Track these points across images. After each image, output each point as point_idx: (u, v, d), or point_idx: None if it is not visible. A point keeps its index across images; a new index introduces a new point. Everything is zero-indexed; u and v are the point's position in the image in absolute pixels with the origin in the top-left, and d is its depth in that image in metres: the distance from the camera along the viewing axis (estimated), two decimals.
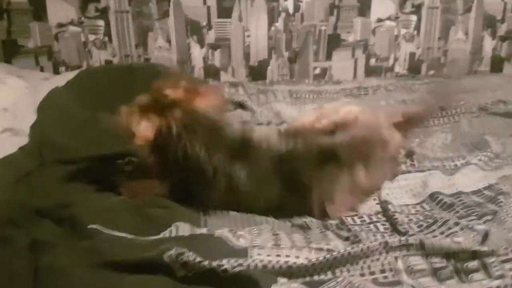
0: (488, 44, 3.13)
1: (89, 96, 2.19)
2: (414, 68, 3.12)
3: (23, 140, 1.72)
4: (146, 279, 1.04)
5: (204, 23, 2.82)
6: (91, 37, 2.75)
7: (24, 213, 1.33)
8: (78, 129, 1.93)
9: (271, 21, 2.87)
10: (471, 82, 2.82)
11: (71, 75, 2.33)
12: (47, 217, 1.33)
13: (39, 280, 1.06)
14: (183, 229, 1.26)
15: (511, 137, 1.90)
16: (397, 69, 3.12)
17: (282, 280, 1.04)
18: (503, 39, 3.13)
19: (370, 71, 3.08)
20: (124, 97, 2.28)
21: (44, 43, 2.73)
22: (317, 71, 3.02)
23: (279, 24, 2.89)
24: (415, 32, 3.04)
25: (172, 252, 1.06)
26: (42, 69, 2.75)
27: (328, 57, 3.00)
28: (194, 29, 2.82)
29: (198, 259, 1.05)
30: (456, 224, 1.21)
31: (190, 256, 1.05)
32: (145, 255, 1.09)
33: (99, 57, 2.78)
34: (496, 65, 3.17)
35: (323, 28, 2.94)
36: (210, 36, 2.85)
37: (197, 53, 2.87)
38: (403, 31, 3.04)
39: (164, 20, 2.78)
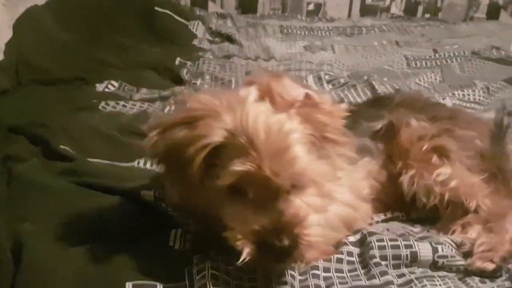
0: None
1: (71, 18, 2.10)
2: (410, 10, 3.03)
3: None
4: (117, 201, 1.02)
5: None
6: None
7: None
8: (58, 51, 1.86)
9: None
10: (466, 28, 2.78)
11: None
12: (22, 134, 1.28)
13: (13, 189, 1.03)
14: None
15: (503, 83, 1.88)
16: (393, 10, 3.02)
17: None
18: None
19: (366, 10, 2.98)
20: (110, 24, 2.21)
21: None
22: (311, 7, 2.92)
23: None
24: None
25: (150, 193, 1.03)
26: None
27: None
28: None
29: None
30: None
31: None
32: (122, 186, 1.06)
33: None
34: (493, 12, 3.09)
35: None
36: None
37: None
38: None
39: None
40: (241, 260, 0.77)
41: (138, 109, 1.53)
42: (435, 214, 1.08)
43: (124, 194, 1.03)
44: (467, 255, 0.94)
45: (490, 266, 0.91)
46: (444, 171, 1.05)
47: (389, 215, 1.10)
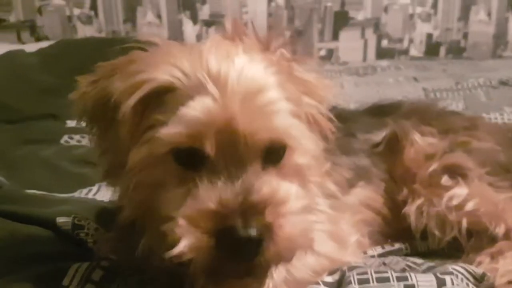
0: None
1: (59, 65, 2.00)
2: (431, 51, 2.81)
3: None
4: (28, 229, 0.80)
5: None
6: (76, 11, 2.57)
7: None
8: (37, 93, 1.74)
9: None
10: (493, 63, 2.54)
11: (44, 44, 2.15)
12: None
13: None
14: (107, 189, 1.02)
15: None
16: (413, 51, 2.82)
17: None
18: None
19: (382, 53, 2.79)
20: None
21: (27, 17, 2.56)
22: (322, 52, 2.75)
23: None
24: (432, 11, 2.75)
25: (68, 220, 0.82)
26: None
27: (335, 37, 2.74)
28: (186, 3, 2.61)
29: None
30: None
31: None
32: (38, 213, 0.85)
33: (84, 33, 2.58)
34: None
35: (329, 4, 2.68)
36: (204, 12, 2.63)
37: (190, 30, 2.65)
38: (418, 9, 2.75)
39: None
40: (175, 254, 0.50)
41: None
42: (455, 247, 0.81)
43: (39, 221, 0.81)
44: None
45: None
46: (459, 192, 0.80)
47: (388, 247, 0.82)
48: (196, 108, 0.54)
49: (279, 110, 0.57)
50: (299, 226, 0.54)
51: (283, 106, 0.58)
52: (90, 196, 1.01)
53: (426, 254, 0.82)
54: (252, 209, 0.52)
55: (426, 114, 0.95)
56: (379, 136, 0.89)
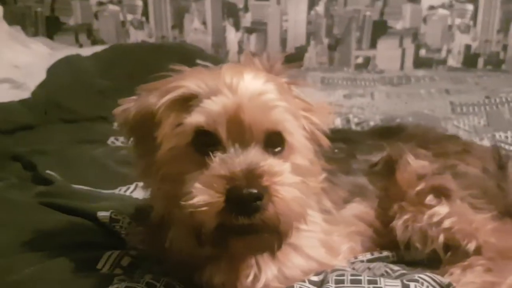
0: None
1: (115, 68, 2.19)
2: (469, 62, 2.84)
3: (24, 94, 1.73)
4: (73, 220, 0.97)
5: (241, 5, 2.75)
6: (129, 17, 2.78)
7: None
8: (92, 95, 1.92)
9: (311, 4, 2.75)
10: None
11: (99, 48, 2.35)
12: (20, 161, 1.31)
13: None
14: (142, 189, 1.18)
15: None
16: (451, 62, 2.86)
17: None
18: None
19: (420, 63, 2.84)
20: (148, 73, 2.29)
21: (85, 21, 2.80)
22: (359, 60, 2.84)
23: (320, 8, 2.75)
24: (471, 23, 2.78)
25: (107, 214, 0.97)
26: (81, 47, 2.80)
27: (373, 45, 2.81)
28: (230, 11, 2.76)
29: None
30: None
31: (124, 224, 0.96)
32: (82, 206, 1.02)
33: (136, 37, 2.79)
34: None
35: (368, 13, 2.77)
36: (247, 19, 2.78)
37: (233, 37, 2.80)
38: (457, 20, 2.79)
39: (201, 1, 2.75)
40: (192, 203, 0.64)
41: None
42: (436, 259, 0.91)
43: (82, 213, 0.98)
44: None
45: None
46: (440, 210, 0.90)
47: (376, 254, 0.94)
48: (213, 103, 0.70)
49: (276, 107, 0.72)
50: (292, 194, 0.67)
51: (281, 104, 0.72)
52: (128, 193, 1.17)
53: (411, 263, 0.92)
54: (253, 175, 0.66)
55: (425, 138, 1.05)
56: (377, 157, 1.00)
